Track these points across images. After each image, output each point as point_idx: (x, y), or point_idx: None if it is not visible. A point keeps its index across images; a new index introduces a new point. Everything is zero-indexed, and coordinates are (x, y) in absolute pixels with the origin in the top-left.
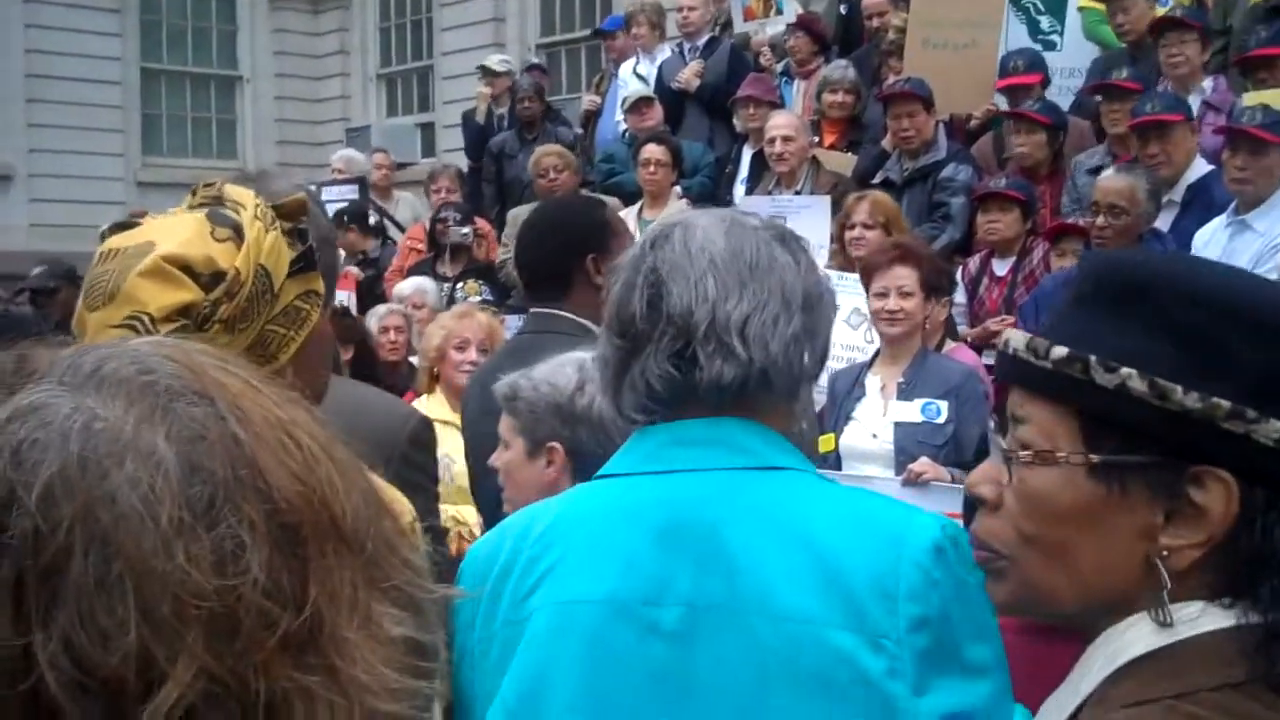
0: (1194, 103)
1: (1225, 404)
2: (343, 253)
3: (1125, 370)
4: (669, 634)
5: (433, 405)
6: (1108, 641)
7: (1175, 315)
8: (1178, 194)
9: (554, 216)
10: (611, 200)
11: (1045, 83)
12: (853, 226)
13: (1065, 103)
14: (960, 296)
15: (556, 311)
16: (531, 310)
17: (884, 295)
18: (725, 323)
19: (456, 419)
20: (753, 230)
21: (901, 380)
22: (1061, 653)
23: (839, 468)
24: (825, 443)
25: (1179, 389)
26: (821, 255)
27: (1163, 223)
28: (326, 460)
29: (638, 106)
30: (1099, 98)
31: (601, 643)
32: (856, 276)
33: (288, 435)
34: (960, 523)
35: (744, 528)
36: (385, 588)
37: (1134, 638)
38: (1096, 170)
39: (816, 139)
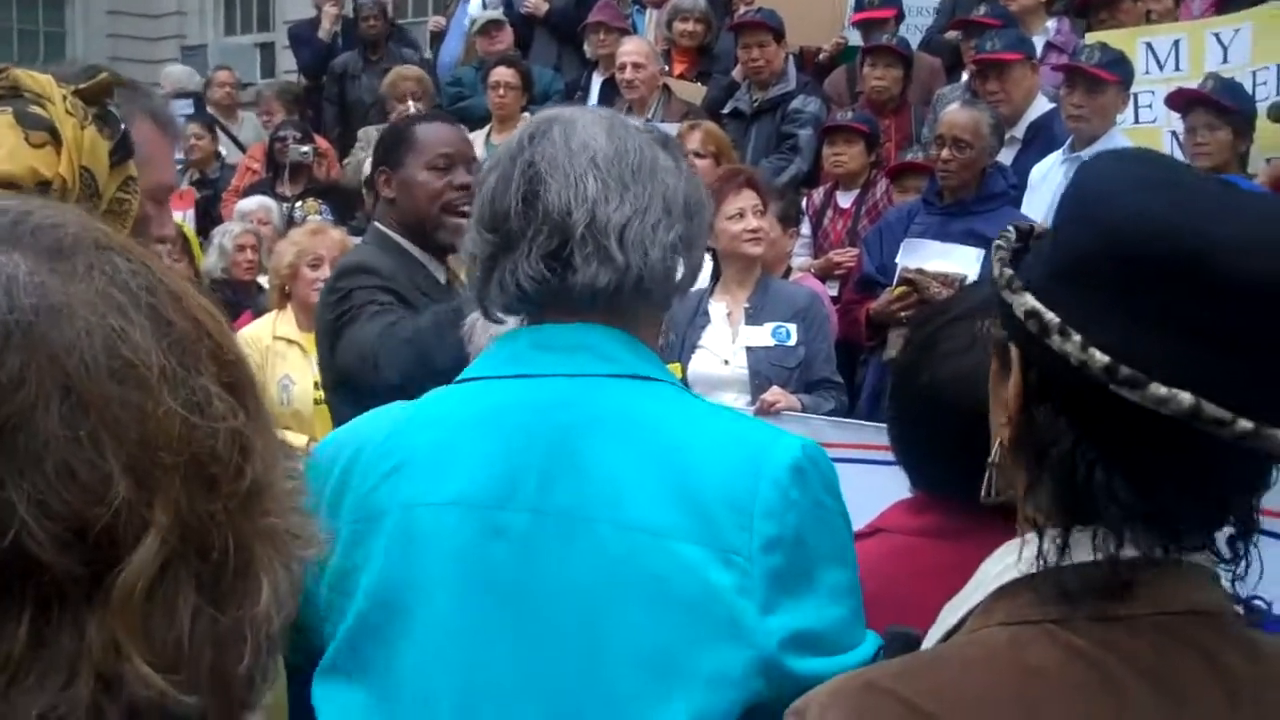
0: (1038, 42)
1: (1007, 272)
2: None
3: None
4: (514, 538)
5: (282, 323)
6: (1000, 558)
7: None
8: (1020, 131)
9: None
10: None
11: (900, 18)
12: (686, 155)
13: (915, 40)
14: (805, 228)
15: (372, 224)
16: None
17: (740, 216)
18: (604, 225)
19: (303, 338)
20: (636, 131)
21: (748, 305)
22: (956, 555)
23: None
24: (673, 371)
25: (1000, 263)
26: None
27: (1005, 158)
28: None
29: (487, 30)
30: (959, 34)
31: (441, 547)
32: None
33: (198, 297)
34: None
35: (600, 435)
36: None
37: (1027, 555)
38: None
39: (667, 68)
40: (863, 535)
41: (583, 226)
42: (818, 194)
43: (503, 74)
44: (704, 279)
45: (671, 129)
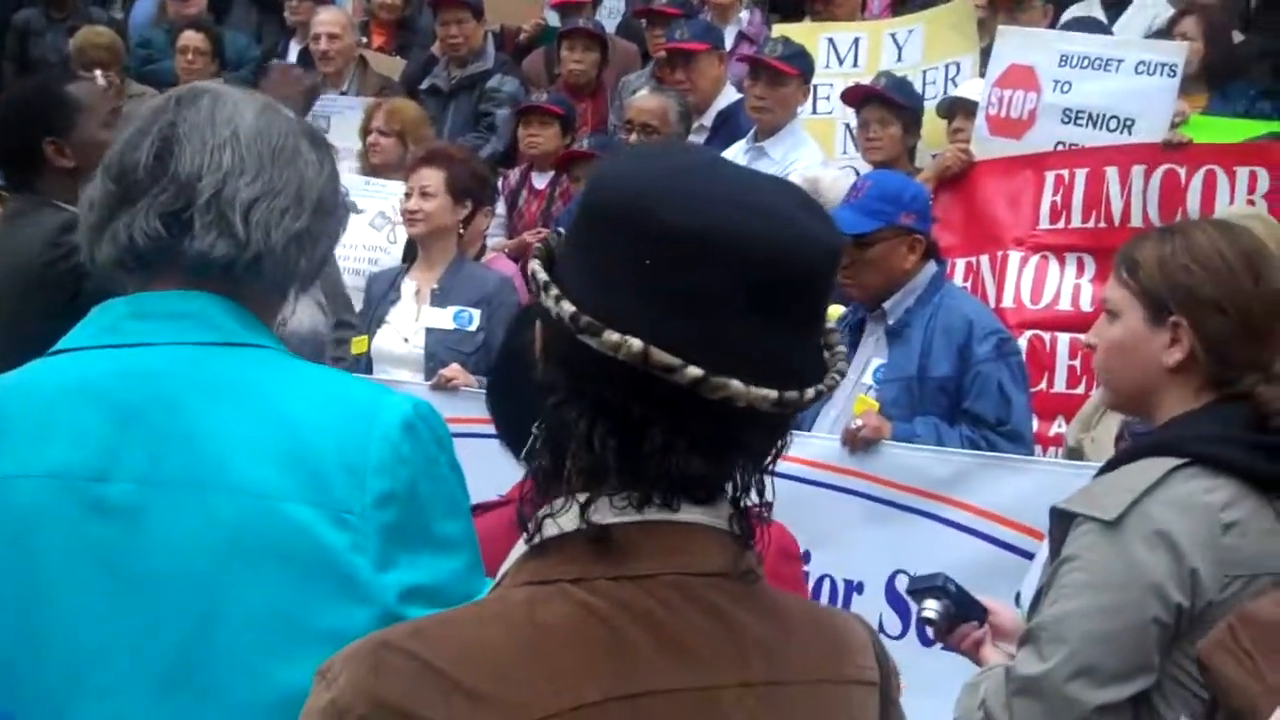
0: (731, 33)
1: (537, 245)
2: None
3: None
4: (116, 512)
5: None
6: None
7: None
8: (708, 119)
9: (15, 98)
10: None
11: (598, 2)
12: (371, 132)
13: (611, 25)
14: (500, 208)
15: (31, 196)
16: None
17: (409, 195)
18: (231, 198)
19: None
20: (285, 119)
21: (436, 286)
22: None
23: (370, 371)
24: (358, 345)
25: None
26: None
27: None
28: None
29: None
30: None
31: (40, 522)
32: (384, 181)
33: None
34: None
35: (206, 403)
36: None
37: (550, 526)
38: None
39: (366, 40)
40: (493, 505)
41: (209, 194)
42: (513, 174)
43: (191, 39)
44: (397, 253)
45: (362, 103)
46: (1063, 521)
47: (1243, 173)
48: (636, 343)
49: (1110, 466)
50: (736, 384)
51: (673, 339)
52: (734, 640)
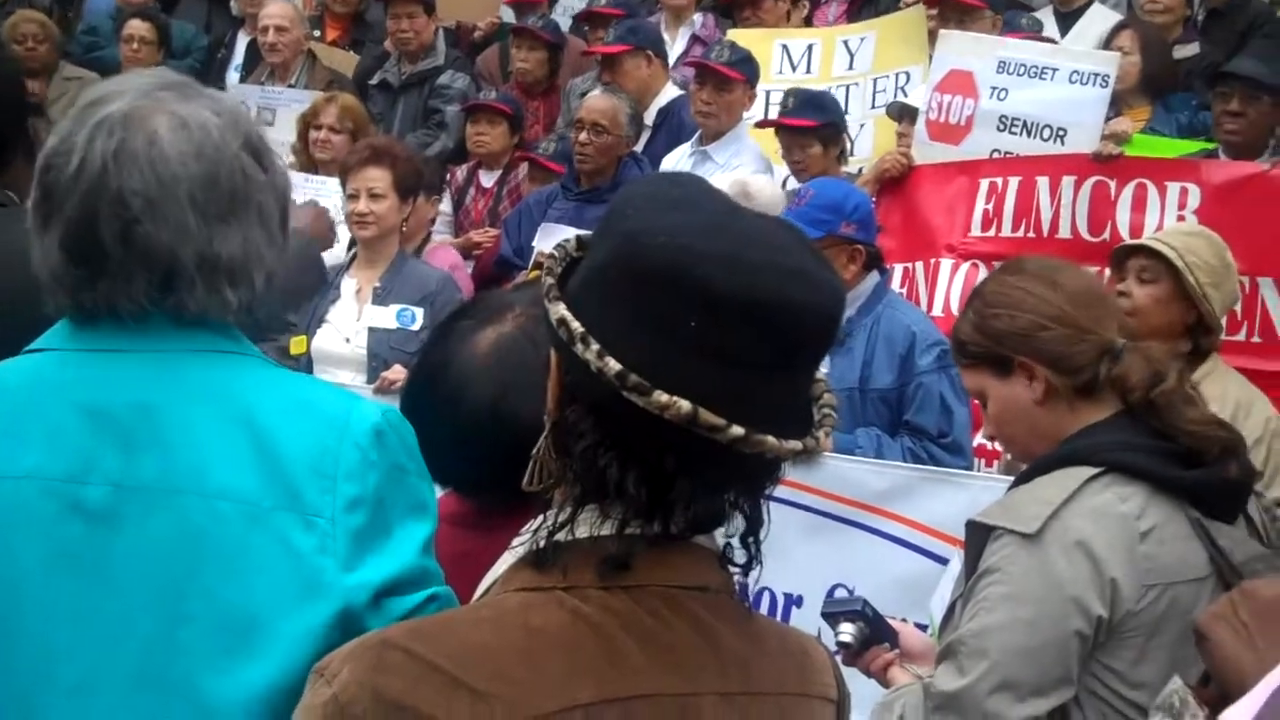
0: (684, 35)
1: (548, 280)
2: None
3: None
4: (92, 513)
5: None
6: (521, 536)
7: None
8: (649, 118)
9: None
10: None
11: (554, 1)
12: (320, 128)
13: (567, 24)
14: (446, 205)
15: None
16: None
17: (355, 197)
18: (215, 262)
19: None
20: (222, 142)
21: (378, 285)
22: (492, 543)
23: (309, 371)
24: (297, 344)
25: (546, 273)
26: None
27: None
28: None
29: None
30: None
31: (17, 522)
32: (324, 178)
33: None
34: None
35: (181, 408)
36: None
37: (543, 529)
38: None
39: (318, 33)
40: None
41: (192, 265)
42: (461, 171)
43: (136, 27)
44: (341, 252)
45: (311, 96)
46: (980, 534)
47: (1173, 188)
48: (686, 404)
49: (1025, 478)
50: (772, 440)
51: (715, 398)
52: (714, 651)
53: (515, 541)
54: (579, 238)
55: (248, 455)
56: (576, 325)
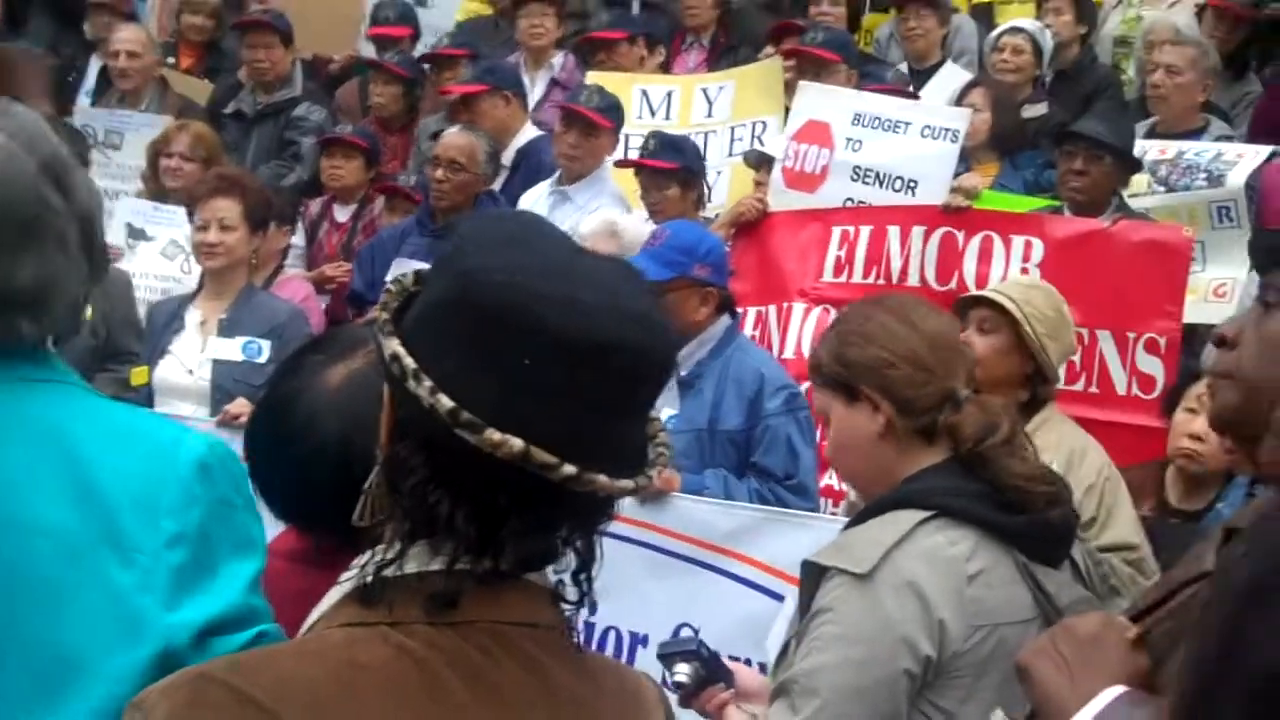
0: (543, 78)
1: (383, 316)
2: None
3: None
4: None
5: None
6: (349, 571)
7: None
8: (506, 159)
9: None
10: None
11: (415, 37)
12: (171, 156)
13: None
14: (299, 238)
15: None
16: None
17: (205, 228)
18: (13, 295)
19: None
20: (18, 167)
21: (224, 316)
22: (332, 580)
23: (150, 403)
24: (138, 375)
25: (381, 308)
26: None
27: (495, 185)
28: None
29: None
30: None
31: None
32: (174, 208)
33: None
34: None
35: None
36: None
37: (371, 564)
38: (438, 134)
39: (172, 60)
40: None
41: None
42: (315, 205)
43: None
44: (192, 283)
45: (162, 122)
46: (814, 573)
47: (1018, 241)
48: (518, 442)
49: (860, 519)
50: (604, 479)
51: (547, 436)
52: (547, 690)
53: (343, 577)
54: (417, 272)
55: (65, 488)
56: (409, 361)
